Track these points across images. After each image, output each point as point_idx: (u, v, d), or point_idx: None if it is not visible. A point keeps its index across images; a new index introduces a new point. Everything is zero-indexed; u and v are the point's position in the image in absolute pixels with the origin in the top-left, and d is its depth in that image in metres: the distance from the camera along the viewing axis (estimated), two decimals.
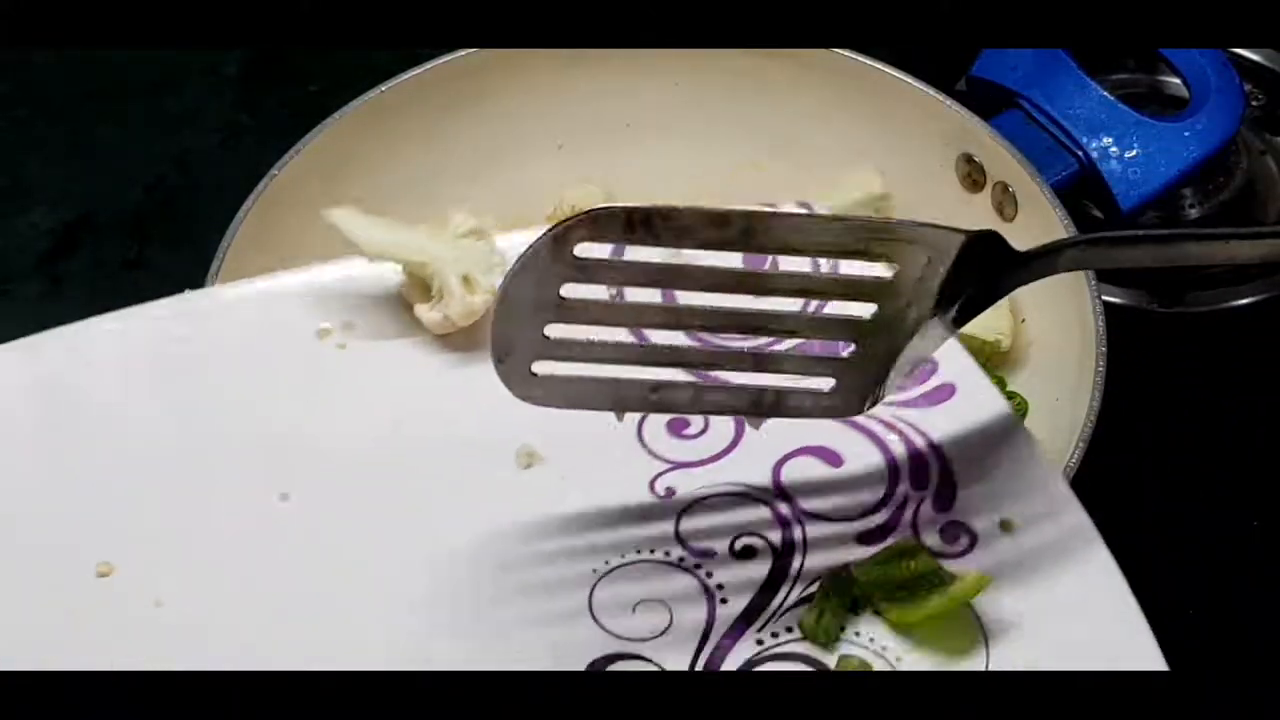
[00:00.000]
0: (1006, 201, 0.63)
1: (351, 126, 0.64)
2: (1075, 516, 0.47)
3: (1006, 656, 0.44)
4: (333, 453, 0.49)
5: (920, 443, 0.49)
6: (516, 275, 0.42)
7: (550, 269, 0.42)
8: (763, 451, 0.49)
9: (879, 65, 0.64)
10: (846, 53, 0.64)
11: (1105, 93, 0.67)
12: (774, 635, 0.46)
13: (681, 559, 0.47)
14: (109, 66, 0.81)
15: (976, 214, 0.64)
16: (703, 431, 0.50)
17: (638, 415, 0.50)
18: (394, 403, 0.51)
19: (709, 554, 0.47)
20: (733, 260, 0.43)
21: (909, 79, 0.64)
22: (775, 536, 0.47)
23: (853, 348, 0.45)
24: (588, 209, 0.41)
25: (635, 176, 0.67)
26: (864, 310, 0.44)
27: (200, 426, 0.50)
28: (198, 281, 0.57)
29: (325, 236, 0.52)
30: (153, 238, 0.76)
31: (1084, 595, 0.45)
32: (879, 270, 0.44)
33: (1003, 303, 0.62)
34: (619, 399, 0.46)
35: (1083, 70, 0.68)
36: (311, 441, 0.50)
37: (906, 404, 0.49)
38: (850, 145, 0.64)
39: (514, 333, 0.43)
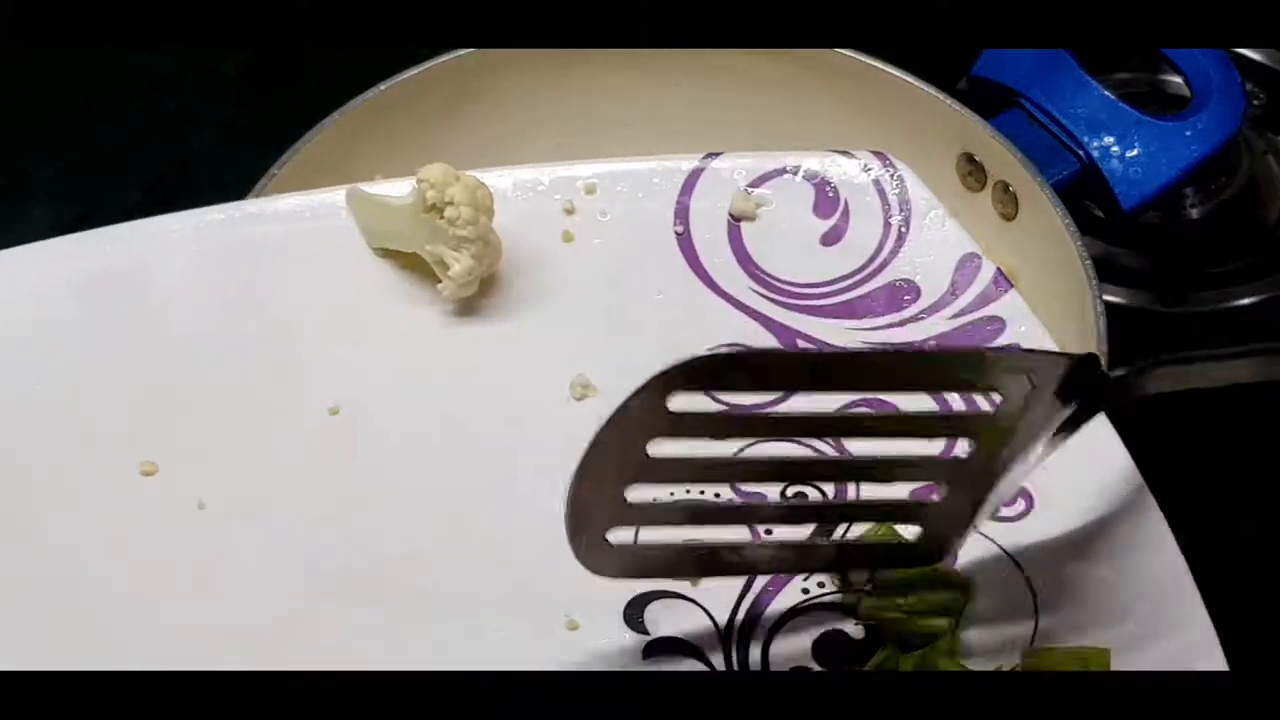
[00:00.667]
0: (1007, 201, 0.63)
1: (351, 126, 0.64)
2: (1135, 486, 0.46)
3: (1054, 619, 0.44)
4: (386, 369, 0.49)
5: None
6: (604, 435, 0.39)
7: (643, 424, 0.39)
8: (820, 399, 0.47)
9: (879, 65, 0.64)
10: (846, 52, 0.64)
11: (1106, 92, 0.67)
12: (820, 585, 0.45)
13: (732, 501, 0.46)
14: (109, 66, 0.81)
15: (977, 214, 0.64)
16: None
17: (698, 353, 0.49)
18: (451, 322, 0.51)
19: (759, 499, 0.46)
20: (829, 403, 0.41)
21: (909, 78, 0.64)
22: (828, 486, 0.46)
23: (944, 490, 0.43)
24: (687, 359, 0.39)
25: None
26: (964, 446, 0.42)
27: (253, 332, 0.50)
28: None
29: None
30: None
31: (1138, 563, 0.45)
32: (982, 404, 0.42)
33: None
34: (701, 564, 0.44)
35: (1084, 70, 0.68)
36: (365, 356, 0.50)
37: None
38: (850, 145, 0.64)
39: (596, 498, 0.40)
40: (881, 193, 0.53)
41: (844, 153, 0.54)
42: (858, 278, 0.52)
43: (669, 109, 0.67)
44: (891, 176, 0.52)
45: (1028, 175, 0.61)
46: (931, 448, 0.43)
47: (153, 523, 0.46)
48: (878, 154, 0.54)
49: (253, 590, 0.45)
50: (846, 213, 0.53)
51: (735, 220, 0.53)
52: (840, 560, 0.46)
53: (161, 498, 0.46)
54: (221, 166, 0.77)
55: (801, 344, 0.50)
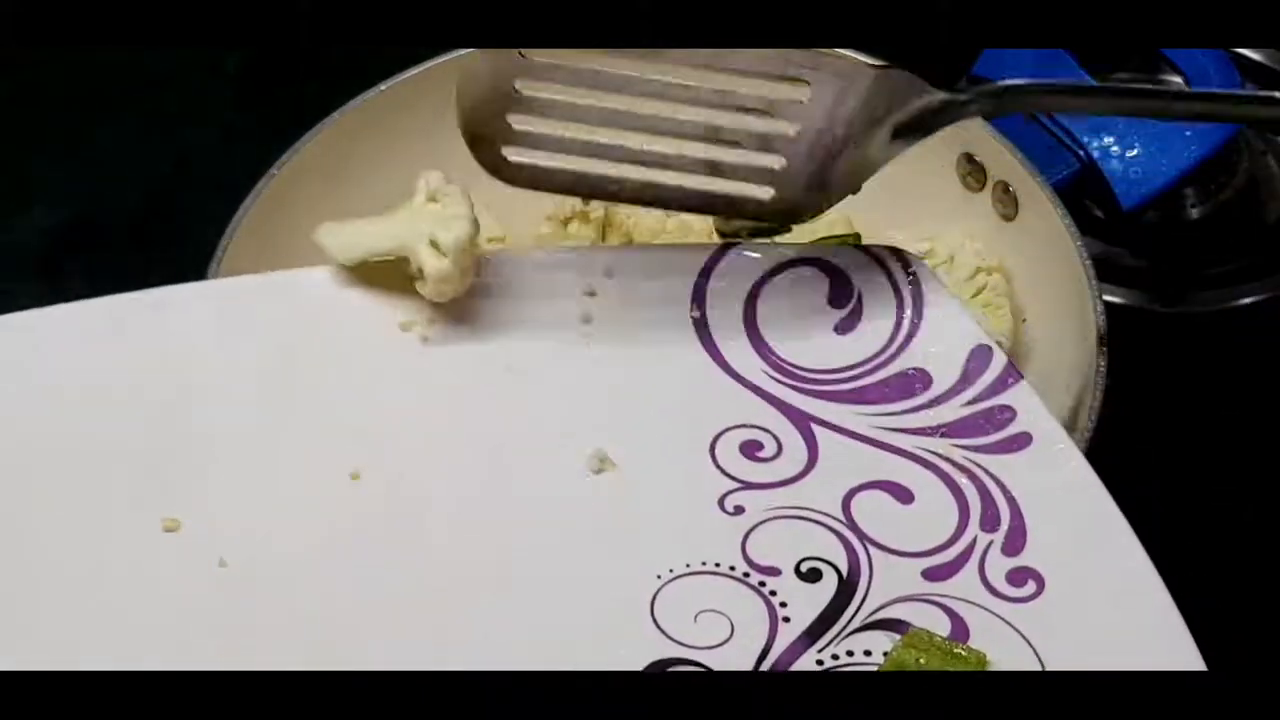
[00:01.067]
0: (1007, 201, 0.63)
1: (351, 126, 0.64)
2: (1142, 569, 0.46)
3: None
4: (407, 438, 0.50)
5: (993, 487, 0.49)
6: (471, 62, 0.49)
7: (501, 62, 0.49)
8: (834, 481, 0.49)
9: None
10: (847, 53, 0.64)
11: None
12: (834, 658, 0.46)
13: (746, 574, 0.47)
14: (109, 66, 0.81)
15: (977, 214, 0.64)
16: (776, 455, 0.50)
17: (712, 433, 0.50)
18: (473, 397, 0.51)
19: (774, 572, 0.47)
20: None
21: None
22: (842, 562, 0.47)
23: (784, 161, 0.50)
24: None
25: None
26: (789, 128, 0.50)
27: (279, 398, 0.50)
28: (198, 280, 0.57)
29: None
30: (153, 238, 0.76)
31: (1146, 645, 0.45)
32: (797, 94, 0.50)
33: (1003, 304, 0.62)
34: (581, 186, 0.51)
35: (1084, 69, 0.68)
36: (388, 426, 0.50)
37: (981, 449, 0.49)
38: None
39: (482, 123, 0.50)
40: (895, 286, 0.53)
41: (859, 247, 0.55)
42: (870, 365, 0.52)
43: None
44: (905, 270, 0.53)
45: (1028, 175, 0.61)
46: (764, 124, 0.50)
47: (174, 578, 0.47)
48: (893, 249, 0.54)
49: (271, 649, 0.45)
50: (860, 302, 0.53)
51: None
52: (706, 202, 0.51)
53: (183, 554, 0.47)
54: (221, 166, 0.77)
55: (815, 428, 0.51)
